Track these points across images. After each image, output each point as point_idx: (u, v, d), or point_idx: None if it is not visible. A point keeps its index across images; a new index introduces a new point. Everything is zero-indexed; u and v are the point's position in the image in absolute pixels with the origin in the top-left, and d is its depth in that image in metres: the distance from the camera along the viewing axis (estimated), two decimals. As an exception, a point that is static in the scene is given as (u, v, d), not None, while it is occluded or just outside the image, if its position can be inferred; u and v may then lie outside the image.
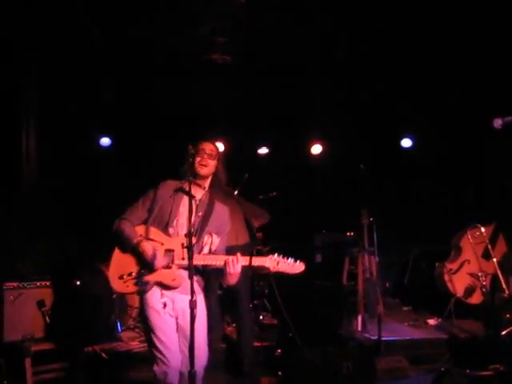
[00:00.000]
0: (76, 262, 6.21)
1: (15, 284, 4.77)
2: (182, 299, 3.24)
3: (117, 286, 3.31)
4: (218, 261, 3.24)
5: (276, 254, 3.22)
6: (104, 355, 4.84)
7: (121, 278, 3.29)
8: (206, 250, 3.38)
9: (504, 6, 5.31)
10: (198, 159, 3.37)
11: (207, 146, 3.45)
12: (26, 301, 4.78)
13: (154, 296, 3.29)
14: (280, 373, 4.90)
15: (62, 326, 4.85)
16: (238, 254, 3.20)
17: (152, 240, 3.30)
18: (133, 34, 6.09)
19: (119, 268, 3.31)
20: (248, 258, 3.19)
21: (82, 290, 5.36)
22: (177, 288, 3.29)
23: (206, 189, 3.46)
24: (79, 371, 4.70)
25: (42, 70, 5.98)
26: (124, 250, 3.34)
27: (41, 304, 4.84)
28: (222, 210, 3.48)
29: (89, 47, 6.08)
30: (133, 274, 3.29)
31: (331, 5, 5.64)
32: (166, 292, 3.29)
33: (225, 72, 6.65)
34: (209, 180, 3.47)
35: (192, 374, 2.93)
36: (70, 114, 6.50)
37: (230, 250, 4.89)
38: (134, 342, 5.27)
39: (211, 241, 3.40)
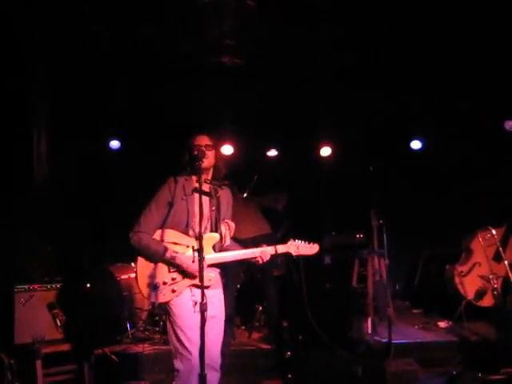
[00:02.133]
0: (86, 264, 6.25)
1: (26, 286, 4.79)
2: (209, 295, 3.26)
3: (153, 296, 3.33)
4: (248, 255, 3.44)
5: (294, 239, 3.56)
6: (114, 357, 4.84)
7: (155, 288, 3.31)
8: (228, 240, 3.49)
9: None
10: (196, 153, 3.39)
11: (201, 139, 3.51)
12: (36, 303, 4.79)
13: (185, 294, 3.35)
14: (290, 375, 4.89)
15: (72, 328, 4.87)
16: (265, 246, 3.44)
17: (177, 244, 3.36)
18: (142, 37, 6.11)
19: (151, 278, 3.32)
20: (274, 247, 3.47)
21: (92, 292, 5.38)
22: (211, 287, 3.37)
23: (210, 181, 3.52)
24: (89, 373, 4.71)
25: (53, 74, 6.01)
26: (152, 262, 3.35)
27: (51, 306, 4.86)
28: (225, 194, 3.61)
29: (98, 51, 6.11)
30: (168, 283, 3.33)
31: (340, 8, 5.64)
32: (195, 290, 3.33)
33: (234, 74, 6.66)
34: (210, 172, 3.54)
35: (203, 376, 2.93)
36: (81, 117, 6.53)
37: (257, 240, 5.20)
38: (143, 344, 5.27)
39: (228, 227, 3.50)
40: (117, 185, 7.13)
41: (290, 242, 3.55)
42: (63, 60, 5.99)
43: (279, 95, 6.89)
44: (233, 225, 3.55)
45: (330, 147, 7.52)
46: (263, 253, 3.43)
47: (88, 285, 5.34)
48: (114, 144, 7.18)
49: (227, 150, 7.07)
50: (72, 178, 6.41)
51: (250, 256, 3.45)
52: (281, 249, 3.50)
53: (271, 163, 7.63)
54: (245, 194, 5.69)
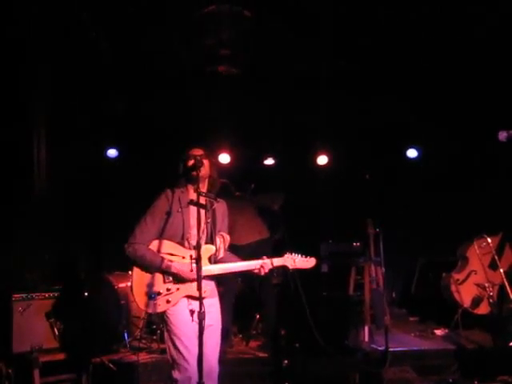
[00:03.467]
0: (83, 273, 6.25)
1: (24, 295, 4.79)
2: (207, 304, 3.23)
3: (148, 306, 3.32)
4: (245, 267, 3.43)
5: (291, 253, 3.51)
6: (111, 366, 4.84)
7: (150, 298, 3.30)
8: (222, 252, 3.47)
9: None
10: (191, 162, 3.42)
11: (195, 151, 3.52)
12: (34, 312, 4.80)
13: (182, 304, 3.34)
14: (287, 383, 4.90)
15: (70, 336, 4.87)
16: (263, 260, 3.42)
17: (173, 255, 3.35)
18: (140, 47, 6.16)
19: (146, 288, 3.31)
20: (270, 260, 3.44)
21: (90, 300, 5.38)
22: (207, 297, 3.34)
23: (205, 194, 3.49)
24: (87, 382, 4.70)
25: (52, 83, 6.05)
26: (148, 272, 3.35)
27: (49, 315, 4.86)
28: (221, 206, 3.59)
29: (97, 60, 6.15)
30: (162, 293, 3.32)
31: (337, 15, 5.69)
32: (192, 300, 3.33)
33: (231, 83, 6.71)
34: (206, 184, 3.53)
35: (201, 384, 2.95)
36: (80, 126, 6.56)
37: (258, 245, 5.43)
38: (141, 353, 5.26)
39: (223, 239, 3.49)
40: (115, 193, 7.14)
41: (287, 256, 3.50)
42: (62, 70, 6.03)
43: (276, 104, 6.93)
44: (228, 237, 3.53)
45: (327, 156, 7.55)
46: (262, 265, 3.41)
47: (85, 293, 5.35)
48: (112, 153, 7.20)
49: (224, 158, 7.09)
50: (71, 187, 6.42)
51: (247, 268, 3.43)
52: (277, 262, 3.46)
53: (268, 172, 7.64)
54: (238, 193, 5.73)
